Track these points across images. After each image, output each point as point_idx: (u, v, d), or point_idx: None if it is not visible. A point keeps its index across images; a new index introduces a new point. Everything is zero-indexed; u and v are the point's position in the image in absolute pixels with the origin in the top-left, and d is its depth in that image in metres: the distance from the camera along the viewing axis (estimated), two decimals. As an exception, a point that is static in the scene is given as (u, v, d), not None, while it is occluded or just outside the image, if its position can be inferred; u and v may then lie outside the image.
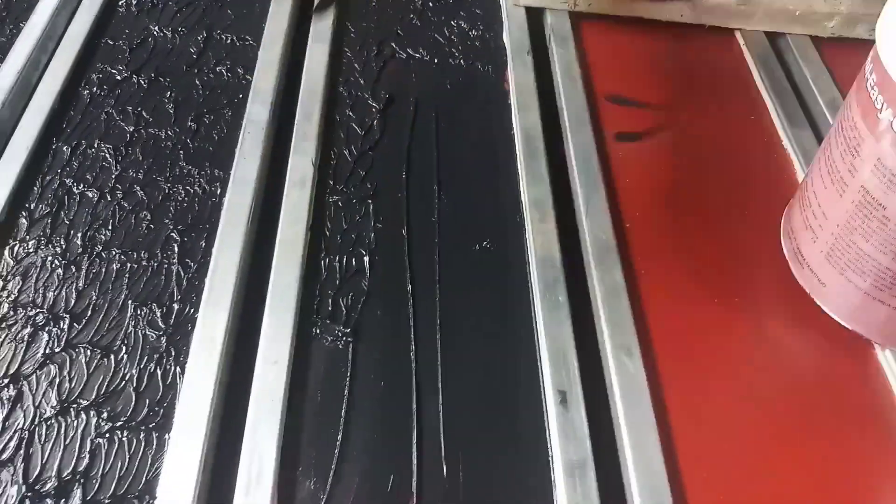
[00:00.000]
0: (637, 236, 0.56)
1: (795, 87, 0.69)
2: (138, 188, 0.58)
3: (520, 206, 0.57)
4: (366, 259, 0.54)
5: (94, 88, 0.65)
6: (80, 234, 0.54)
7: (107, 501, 0.42)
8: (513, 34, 0.71)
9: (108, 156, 0.60)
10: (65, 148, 0.60)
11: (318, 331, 0.50)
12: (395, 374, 0.48)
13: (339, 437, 0.45)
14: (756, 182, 0.62)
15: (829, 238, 0.50)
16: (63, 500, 0.42)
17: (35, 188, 0.57)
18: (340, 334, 0.50)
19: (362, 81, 0.67)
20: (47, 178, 0.58)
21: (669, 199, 0.60)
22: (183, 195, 0.57)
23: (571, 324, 0.50)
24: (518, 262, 0.54)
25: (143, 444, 0.44)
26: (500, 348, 0.50)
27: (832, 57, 0.72)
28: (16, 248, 0.53)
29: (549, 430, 0.45)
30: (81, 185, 0.58)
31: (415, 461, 0.44)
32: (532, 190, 0.57)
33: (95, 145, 0.60)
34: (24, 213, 0.56)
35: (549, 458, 0.45)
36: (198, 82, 0.66)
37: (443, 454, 0.45)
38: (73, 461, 0.44)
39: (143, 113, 0.63)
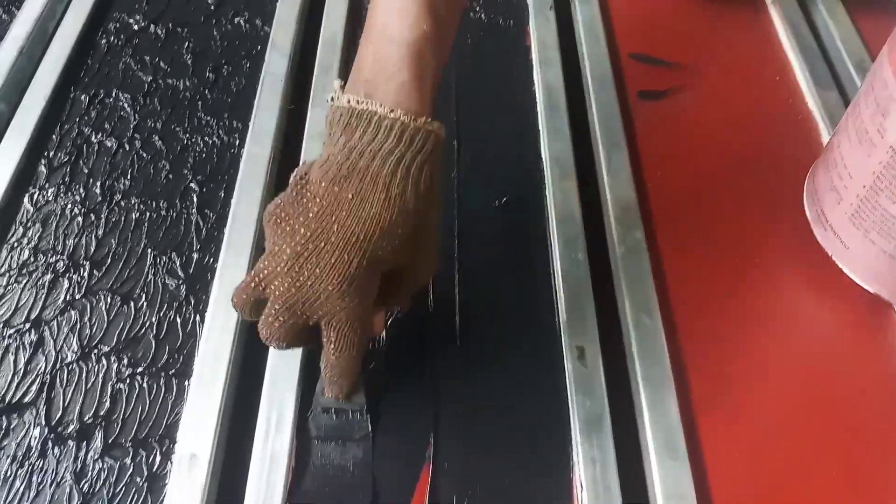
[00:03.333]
0: (658, 196, 0.56)
1: (823, 49, 0.68)
2: (157, 138, 0.57)
3: (540, 162, 0.57)
4: (385, 213, 0.54)
5: (112, 38, 0.64)
6: (99, 183, 0.54)
7: (128, 444, 0.43)
8: (535, -11, 0.70)
9: (126, 105, 0.59)
10: (83, 97, 0.60)
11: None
12: (413, 327, 0.48)
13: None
14: (780, 143, 0.61)
15: (854, 199, 0.49)
16: (85, 442, 0.43)
17: (54, 136, 0.57)
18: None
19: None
20: (65, 126, 0.58)
21: (691, 159, 0.59)
22: (202, 146, 0.57)
23: (591, 281, 0.50)
24: (538, 219, 0.53)
25: (163, 389, 0.45)
26: (518, 305, 0.50)
27: (862, 18, 0.70)
28: (35, 196, 0.53)
29: (568, 385, 0.45)
30: (100, 134, 0.57)
31: (432, 412, 0.45)
32: (553, 146, 0.57)
33: (113, 94, 0.60)
34: (43, 161, 0.55)
35: (567, 413, 0.45)
36: (216, 33, 0.65)
37: (460, 406, 0.45)
38: (95, 405, 0.44)
39: (161, 63, 0.62)
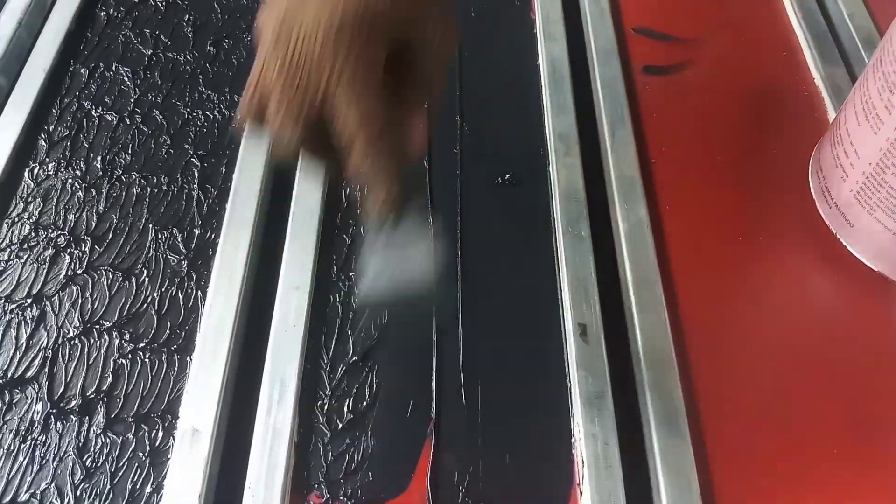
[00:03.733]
0: (662, 172, 0.55)
1: (830, 24, 0.67)
2: (157, 112, 0.57)
3: (544, 138, 0.56)
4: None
5: (111, 10, 0.64)
6: (99, 158, 0.54)
7: (130, 420, 0.43)
8: (540, -38, 0.69)
9: (126, 79, 0.59)
10: (82, 70, 0.59)
11: (338, 262, 0.50)
12: (416, 304, 0.48)
13: (360, 364, 0.45)
14: (785, 119, 0.60)
15: (859, 177, 0.49)
16: (87, 417, 0.43)
17: (54, 110, 0.57)
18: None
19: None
20: (65, 100, 0.57)
21: (696, 135, 0.58)
22: (203, 120, 0.56)
23: (594, 258, 0.49)
24: (541, 196, 0.53)
25: (165, 365, 0.45)
26: (521, 282, 0.49)
27: (871, -8, 0.69)
28: (35, 170, 0.53)
29: (569, 362, 0.45)
30: (100, 108, 0.57)
31: (434, 388, 0.45)
32: (557, 122, 0.56)
33: (113, 68, 0.59)
34: (42, 135, 0.55)
35: (569, 389, 0.45)
36: (216, 6, 0.64)
37: (462, 382, 0.45)
38: (97, 380, 0.44)
39: (161, 36, 0.62)
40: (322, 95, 0.32)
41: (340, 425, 0.43)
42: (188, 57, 0.60)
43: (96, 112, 0.57)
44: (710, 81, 0.62)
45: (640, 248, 0.50)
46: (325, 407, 0.44)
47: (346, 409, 0.44)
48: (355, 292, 0.45)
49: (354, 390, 0.44)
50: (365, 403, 0.44)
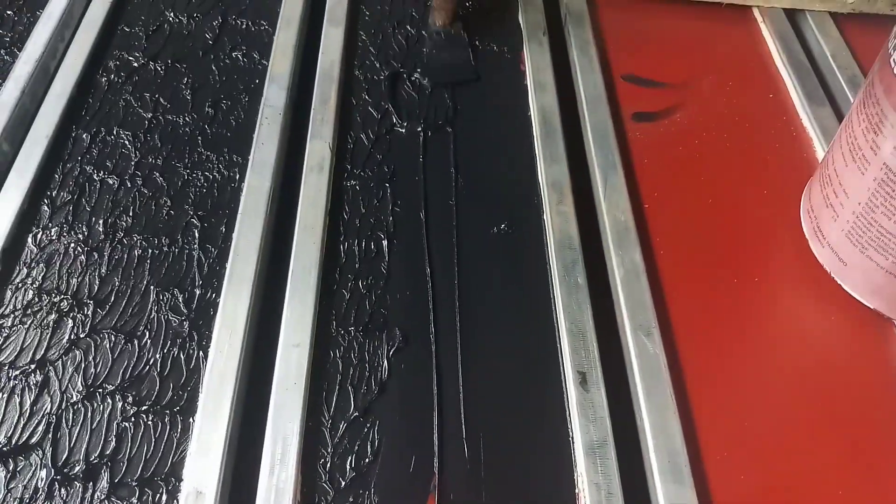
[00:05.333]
0: (656, 217, 0.56)
1: (815, 64, 0.68)
2: (158, 174, 0.58)
3: (537, 187, 0.57)
4: (384, 242, 0.54)
5: (112, 75, 0.65)
6: (101, 221, 0.55)
7: (133, 484, 0.43)
8: (528, 14, 0.71)
9: (127, 142, 0.60)
10: (84, 135, 0.60)
11: (337, 317, 0.50)
12: (416, 356, 0.48)
13: (361, 420, 0.46)
14: (775, 161, 0.61)
15: (850, 216, 0.49)
16: (91, 482, 0.43)
17: (56, 175, 0.58)
18: (360, 318, 0.50)
19: (378, 64, 0.67)
20: (68, 165, 0.59)
21: (688, 179, 0.59)
22: (202, 181, 0.58)
23: (591, 305, 0.50)
24: (536, 245, 0.54)
25: (168, 427, 0.45)
26: (519, 330, 0.50)
27: (852, 33, 0.71)
28: (38, 236, 0.54)
29: (570, 410, 0.46)
30: (102, 172, 0.58)
31: (436, 442, 0.45)
32: (549, 171, 0.57)
33: (114, 132, 0.61)
34: (45, 201, 0.56)
35: (570, 439, 0.45)
36: (214, 68, 0.66)
37: (464, 435, 0.45)
38: (101, 445, 0.44)
39: (161, 99, 0.63)
40: None
41: (343, 483, 0.43)
42: (187, 118, 0.62)
43: (98, 176, 0.58)
44: (698, 125, 0.63)
45: (636, 294, 0.50)
46: (328, 465, 0.44)
47: (348, 466, 0.44)
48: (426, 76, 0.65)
49: (356, 447, 0.45)
50: (367, 460, 0.44)
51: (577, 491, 0.43)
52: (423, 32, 0.69)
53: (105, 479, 0.43)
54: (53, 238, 0.54)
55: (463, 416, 0.46)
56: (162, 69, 0.66)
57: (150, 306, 0.50)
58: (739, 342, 0.51)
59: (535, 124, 0.61)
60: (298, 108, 0.63)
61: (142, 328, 0.49)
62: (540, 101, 0.62)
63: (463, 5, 0.70)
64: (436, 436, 0.45)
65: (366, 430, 0.45)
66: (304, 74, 0.65)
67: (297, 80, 0.65)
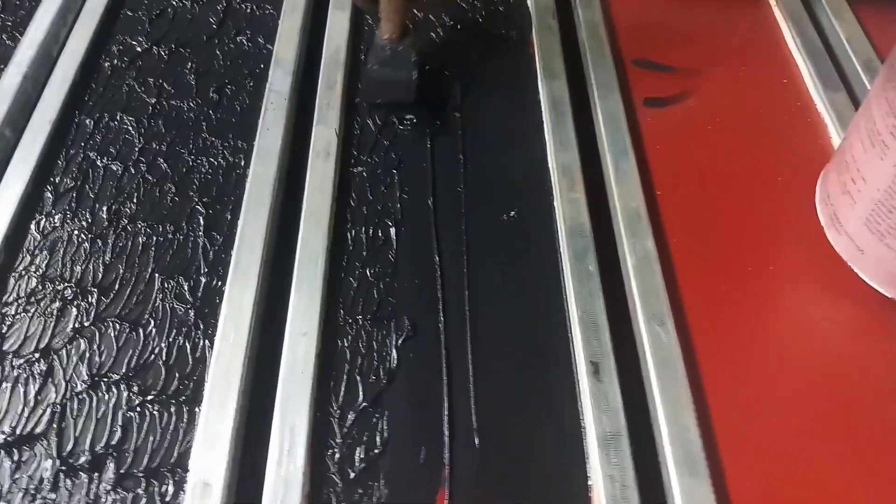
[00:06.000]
0: (668, 204, 0.55)
1: (829, 49, 0.67)
2: (162, 160, 0.57)
3: (548, 174, 0.56)
4: (392, 230, 0.53)
5: (115, 60, 0.64)
6: (105, 208, 0.54)
7: (139, 475, 0.42)
8: (537, -2, 0.70)
9: (130, 128, 0.59)
10: (87, 121, 0.60)
11: (345, 305, 0.49)
12: (425, 346, 0.48)
13: (370, 410, 0.45)
14: (789, 147, 0.60)
15: (868, 203, 0.48)
16: (96, 473, 0.42)
17: (59, 162, 0.57)
18: (368, 307, 0.49)
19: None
20: (71, 151, 0.58)
21: (700, 166, 0.58)
22: (207, 167, 0.57)
23: (603, 294, 0.49)
24: (547, 232, 0.53)
25: (173, 417, 0.44)
26: (530, 320, 0.49)
27: (867, 16, 0.69)
28: (42, 223, 0.53)
29: (582, 401, 0.45)
30: (105, 158, 0.57)
31: (446, 433, 0.44)
32: (560, 157, 0.56)
33: (118, 118, 0.60)
34: (48, 187, 0.55)
35: (582, 430, 0.44)
36: (218, 52, 0.65)
37: (474, 426, 0.44)
38: (106, 435, 0.44)
39: (165, 84, 0.62)
40: None
41: (352, 474, 0.43)
42: (191, 104, 0.61)
43: (102, 162, 0.57)
44: (711, 111, 0.62)
45: (649, 282, 0.50)
46: (337, 456, 0.43)
47: (357, 457, 0.43)
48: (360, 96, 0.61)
49: (365, 437, 0.44)
50: (377, 451, 0.43)
51: (589, 483, 0.42)
52: (369, 45, 0.61)
53: (111, 469, 0.42)
54: (57, 225, 0.53)
55: (473, 406, 0.45)
56: (166, 54, 0.65)
57: (154, 294, 0.50)
58: (754, 331, 0.50)
59: (545, 110, 0.60)
60: (304, 93, 0.62)
61: (146, 316, 0.48)
62: (550, 87, 0.61)
63: (413, 20, 0.64)
64: (446, 426, 0.44)
65: (374, 420, 0.45)
66: (310, 59, 0.64)
67: (302, 64, 0.64)
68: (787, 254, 0.53)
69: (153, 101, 0.61)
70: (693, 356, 0.47)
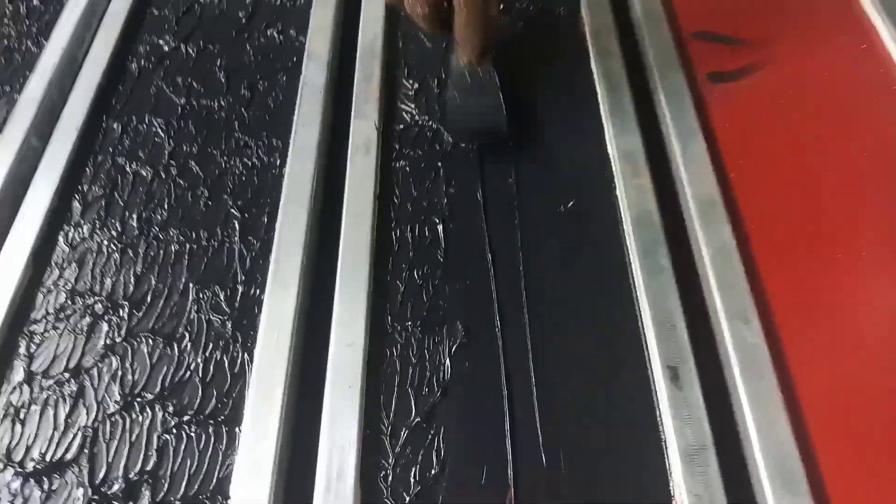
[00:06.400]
0: (743, 188, 0.50)
1: (912, 10, 0.61)
2: (193, 163, 0.54)
3: (607, 159, 0.51)
4: (440, 228, 0.49)
5: (142, 61, 0.61)
6: (135, 216, 0.51)
7: (177, 502, 0.39)
8: (585, -28, 0.65)
9: (159, 131, 0.56)
10: (115, 125, 0.57)
11: (392, 311, 0.45)
12: (481, 354, 0.43)
13: (423, 426, 0.41)
14: (874, 119, 0.54)
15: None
16: (131, 502, 0.39)
17: (87, 169, 0.54)
18: (417, 312, 0.45)
19: (423, 36, 0.61)
20: (99, 157, 0.55)
21: (776, 145, 0.53)
22: (241, 168, 0.53)
23: (678, 292, 0.44)
24: (610, 223, 0.48)
25: (212, 438, 0.41)
26: (596, 320, 0.44)
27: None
28: (70, 234, 0.50)
29: (661, 410, 0.40)
30: (134, 164, 0.54)
31: (509, 450, 0.40)
32: (621, 141, 0.51)
33: (146, 120, 0.57)
34: (76, 196, 0.53)
35: (662, 443, 0.39)
36: (249, 48, 0.61)
37: (540, 441, 0.40)
38: (140, 459, 0.40)
39: (194, 83, 0.59)
40: None
41: (408, 498, 0.38)
42: (222, 103, 0.57)
43: (131, 168, 0.54)
44: (784, 84, 0.56)
45: (729, 276, 0.44)
46: (390, 478, 0.39)
47: (412, 478, 0.39)
48: (444, 127, 0.54)
49: (420, 457, 0.40)
50: (433, 471, 0.39)
51: (673, 502, 0.38)
52: (444, 75, 0.56)
53: (146, 497, 0.39)
54: (86, 236, 0.50)
55: (538, 419, 0.41)
56: (194, 52, 0.61)
57: (189, 306, 0.46)
58: (849, 328, 0.44)
59: (600, 91, 0.55)
60: (340, 86, 0.58)
61: (181, 330, 0.45)
62: (604, 65, 0.56)
63: (496, 38, 0.52)
64: (508, 443, 0.40)
65: (430, 437, 0.40)
66: (345, 51, 0.60)
67: (337, 57, 0.60)
68: (880, 237, 0.48)
69: (182, 101, 0.58)
70: (782, 357, 0.42)
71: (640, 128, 0.52)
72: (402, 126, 0.55)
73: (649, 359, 0.42)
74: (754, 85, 0.56)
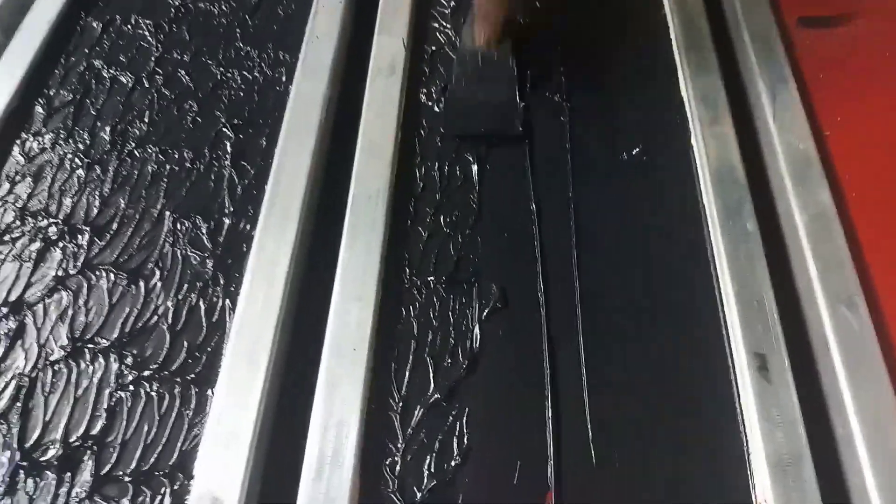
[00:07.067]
0: (841, 147, 0.41)
1: None
2: (183, 72, 0.45)
3: (680, 102, 0.43)
4: (474, 168, 0.41)
5: (135, -46, 0.52)
6: (108, 128, 0.43)
7: (126, 479, 0.31)
8: None
9: (147, 33, 0.47)
10: (95, 23, 0.48)
11: (411, 263, 0.37)
12: (519, 322, 0.35)
13: (444, 405, 0.33)
14: None
15: None
16: (69, 473, 0.31)
17: (56, 70, 0.46)
18: (443, 266, 0.37)
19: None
20: (72, 58, 0.46)
21: (878, 100, 0.44)
22: (239, 82, 0.45)
23: (766, 263, 0.36)
24: (684, 176, 0.40)
25: (177, 401, 0.33)
26: (664, 291, 0.36)
27: None
28: (28, 143, 0.42)
29: (744, 409, 0.32)
30: (113, 68, 0.46)
31: (550, 443, 0.32)
32: (697, 82, 0.43)
33: (133, 21, 0.48)
34: (41, 100, 0.44)
35: (745, 449, 0.31)
36: (260, -52, 0.52)
37: (590, 435, 0.32)
38: (86, 421, 0.33)
39: (193, -16, 0.50)
40: None
41: (419, 495, 0.30)
42: (224, 7, 0.49)
43: (108, 72, 0.45)
44: (886, 33, 0.48)
45: (829, 250, 0.36)
46: (398, 467, 0.31)
47: (426, 470, 0.31)
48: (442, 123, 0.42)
49: (437, 443, 0.32)
50: (453, 462, 0.31)
51: (756, 526, 0.30)
52: (454, 54, 0.45)
53: (88, 469, 0.31)
54: (46, 146, 0.42)
55: (587, 407, 0.33)
56: (196, -52, 0.53)
57: (163, 237, 0.38)
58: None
59: (672, 22, 0.46)
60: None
61: (150, 265, 0.37)
62: (678, -5, 0.48)
63: (514, 19, 0.43)
64: (549, 434, 0.32)
65: (451, 419, 0.33)
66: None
67: (363, -39, 0.51)
68: None
69: (177, 2, 0.49)
70: (893, 349, 0.34)
71: (721, 68, 0.44)
72: (434, 47, 0.46)
73: (730, 343, 0.34)
74: (850, 34, 0.48)
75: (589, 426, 0.32)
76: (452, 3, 0.48)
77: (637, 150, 0.41)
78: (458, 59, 0.43)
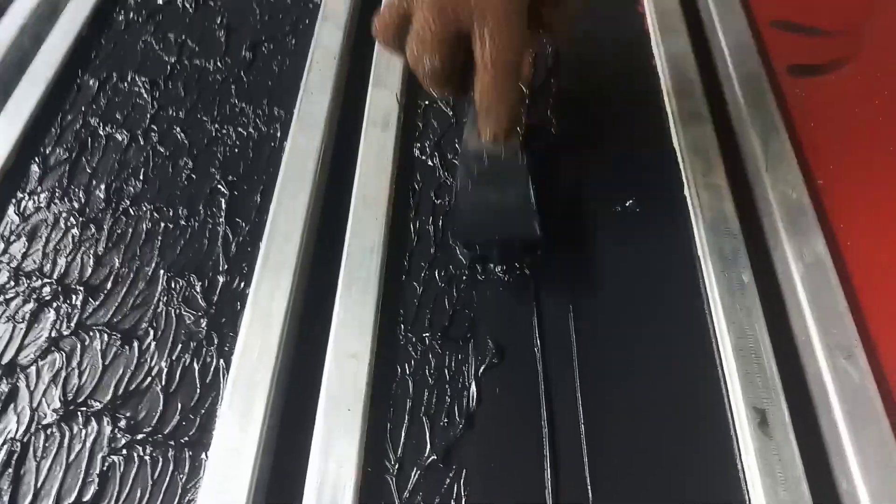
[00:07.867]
0: (833, 195, 0.41)
1: None
2: (178, 130, 0.45)
3: (673, 153, 0.43)
4: (469, 222, 0.41)
5: (131, 13, 0.53)
6: (103, 186, 0.43)
7: (119, 548, 0.30)
8: (644, -52, 0.57)
9: (143, 91, 0.48)
10: (91, 81, 0.49)
11: (406, 319, 0.37)
12: (516, 379, 0.35)
13: (440, 466, 0.32)
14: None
15: None
16: (60, 543, 0.30)
17: (53, 129, 0.46)
18: (438, 321, 0.37)
19: None
20: (68, 116, 0.47)
21: (869, 147, 0.45)
22: (234, 138, 0.45)
23: (762, 313, 0.35)
24: (679, 227, 0.40)
25: (171, 465, 0.33)
26: (662, 345, 0.36)
27: None
28: (23, 202, 0.42)
29: (745, 466, 0.31)
30: (109, 126, 0.46)
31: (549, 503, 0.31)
32: (689, 133, 0.43)
33: (129, 79, 0.49)
34: (36, 159, 0.44)
35: (747, 508, 0.31)
36: (255, 5, 0.53)
37: (589, 497, 0.31)
38: (77, 486, 0.32)
39: (189, 41, 0.51)
40: (470, 18, 0.32)
41: (419, 556, 0.30)
42: (219, 64, 0.49)
43: (104, 130, 0.46)
44: (876, 81, 0.48)
45: (826, 299, 0.36)
46: (395, 532, 0.30)
47: (426, 529, 0.30)
48: (450, 231, 0.40)
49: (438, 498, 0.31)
50: (451, 526, 0.31)
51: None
52: (457, 158, 0.42)
53: (79, 538, 0.30)
54: (41, 205, 0.42)
55: (587, 467, 0.32)
56: (191, 6, 0.53)
57: (157, 297, 0.38)
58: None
59: (662, 75, 0.47)
60: (358, 51, 0.50)
61: (144, 325, 0.37)
62: (668, 47, 0.48)
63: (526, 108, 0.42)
64: (549, 494, 0.31)
65: (448, 481, 0.32)
66: (365, 10, 0.52)
67: (356, 17, 0.52)
68: None
69: (173, 59, 0.50)
70: (894, 400, 0.33)
71: (713, 118, 0.44)
72: (427, 101, 0.46)
73: (729, 398, 0.33)
74: (840, 81, 0.48)
75: (589, 488, 0.32)
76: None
77: (631, 201, 0.41)
78: (461, 160, 0.39)
